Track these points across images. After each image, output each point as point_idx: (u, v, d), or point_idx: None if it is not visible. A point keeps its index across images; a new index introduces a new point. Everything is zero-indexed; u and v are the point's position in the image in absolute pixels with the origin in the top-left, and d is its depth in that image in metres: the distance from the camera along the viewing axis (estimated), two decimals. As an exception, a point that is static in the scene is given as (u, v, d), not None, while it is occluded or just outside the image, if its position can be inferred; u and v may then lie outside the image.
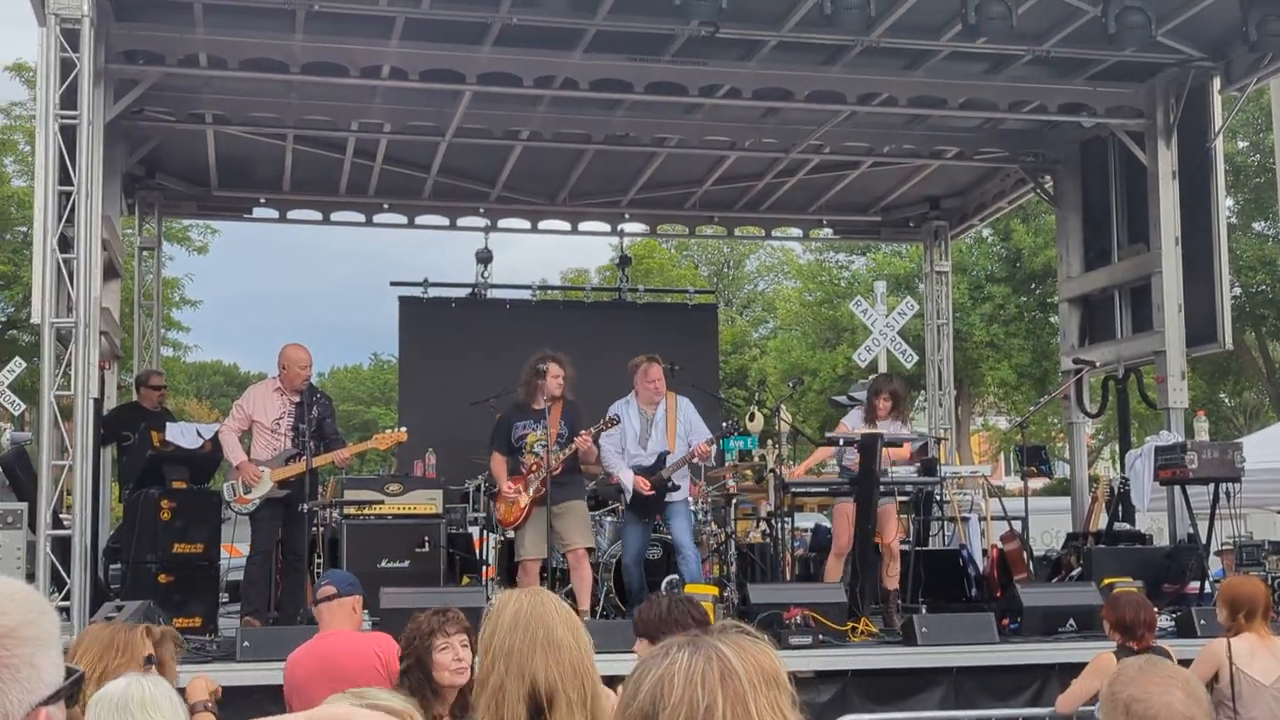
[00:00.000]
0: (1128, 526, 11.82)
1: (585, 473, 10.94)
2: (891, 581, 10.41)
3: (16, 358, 20.62)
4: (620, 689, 2.09)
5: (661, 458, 10.33)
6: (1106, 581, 9.55)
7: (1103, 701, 2.72)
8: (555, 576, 10.23)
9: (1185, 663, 7.17)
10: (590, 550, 10.21)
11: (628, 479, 10.29)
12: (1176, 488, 11.41)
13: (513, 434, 10.20)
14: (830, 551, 10.73)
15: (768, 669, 1.99)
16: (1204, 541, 11.09)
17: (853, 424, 10.63)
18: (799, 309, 37.33)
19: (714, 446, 10.41)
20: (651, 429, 10.41)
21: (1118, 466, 14.48)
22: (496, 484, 10.22)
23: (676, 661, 1.98)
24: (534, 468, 10.00)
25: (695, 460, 10.36)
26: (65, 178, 9.23)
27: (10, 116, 26.01)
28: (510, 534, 10.67)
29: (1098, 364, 13.10)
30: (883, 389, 10.67)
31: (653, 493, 10.21)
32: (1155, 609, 7.30)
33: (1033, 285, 31.97)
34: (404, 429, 10.41)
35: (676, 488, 10.34)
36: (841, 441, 10.25)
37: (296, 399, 10.04)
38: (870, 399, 10.68)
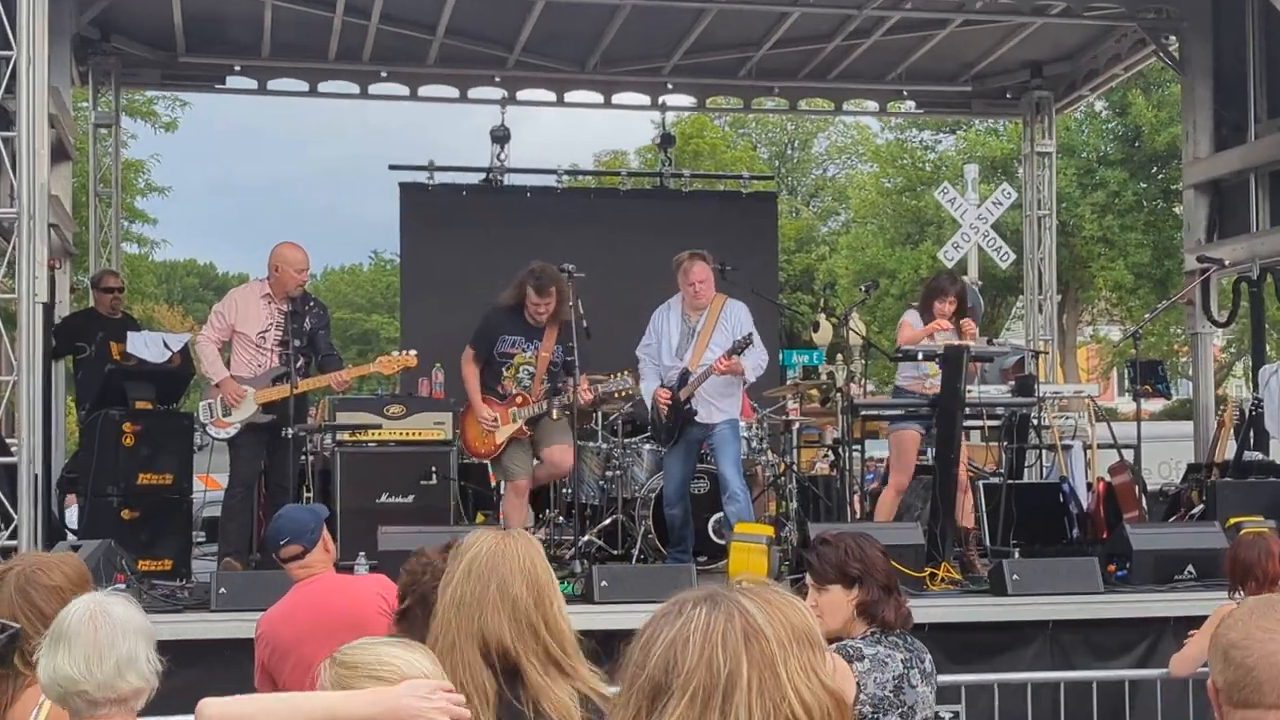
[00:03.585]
0: (1260, 456, 11.74)
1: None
2: (966, 519, 10.41)
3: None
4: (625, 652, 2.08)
5: (684, 375, 10.27)
6: (1232, 521, 9.50)
7: (1210, 642, 2.73)
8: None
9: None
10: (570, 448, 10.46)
11: (647, 392, 10.34)
12: (1320, 410, 11.34)
13: (497, 344, 10.28)
14: (889, 486, 10.67)
15: (799, 626, 1.99)
16: (1352, 474, 11.03)
17: (916, 322, 10.47)
18: (875, 198, 37.16)
19: (747, 363, 10.14)
20: (692, 340, 10.35)
21: (1250, 385, 14.38)
22: (466, 391, 10.36)
23: (692, 620, 1.97)
24: (518, 400, 10.14)
25: (720, 375, 10.09)
26: (3, 42, 9.22)
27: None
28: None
29: (1228, 263, 12.94)
30: (949, 291, 10.43)
31: (669, 407, 10.20)
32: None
33: (1154, 169, 31.65)
34: (413, 352, 10.37)
35: (694, 412, 10.24)
36: (920, 356, 10.19)
37: (287, 307, 10.07)
38: (931, 299, 10.45)
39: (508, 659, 3.37)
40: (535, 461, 10.44)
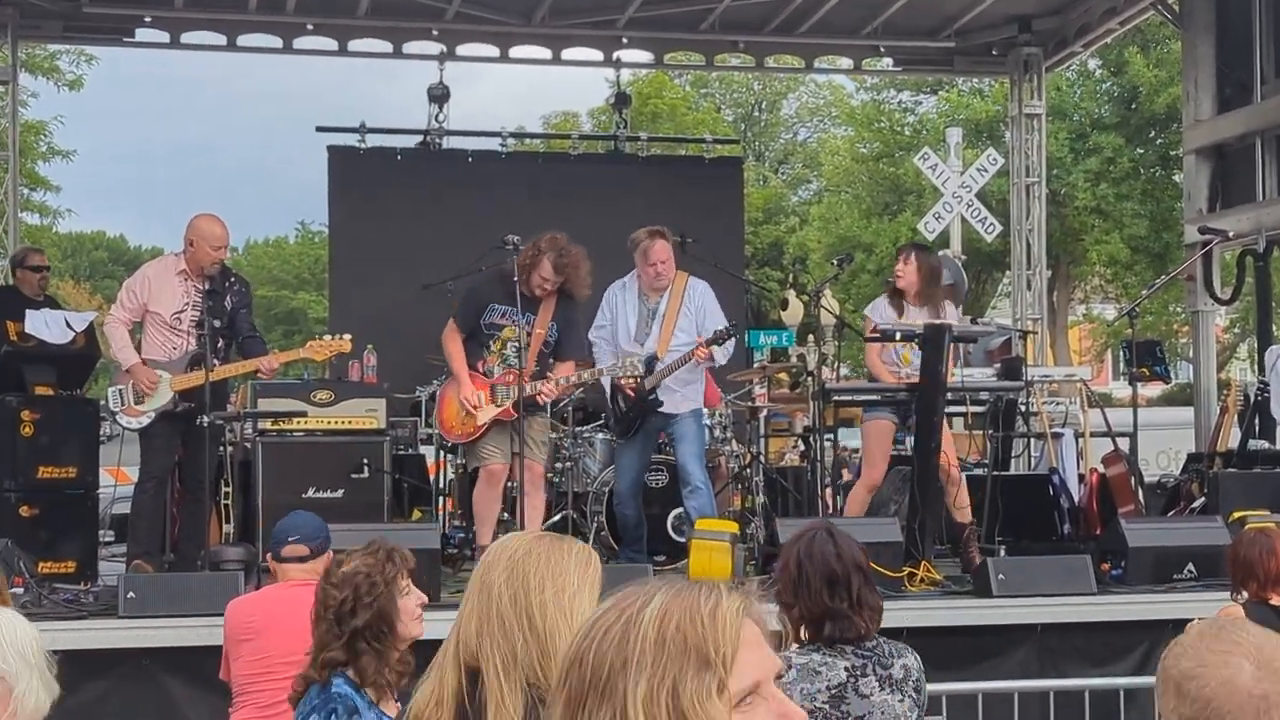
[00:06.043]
0: (1266, 445, 11.83)
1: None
2: (963, 514, 10.41)
3: None
4: None
5: (650, 363, 10.17)
6: (1236, 515, 9.56)
7: (1156, 682, 2.66)
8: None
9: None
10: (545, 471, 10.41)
11: (608, 385, 10.27)
12: (1331, 395, 11.41)
13: (485, 315, 10.02)
14: (860, 481, 10.67)
15: (689, 638, 1.92)
16: (1366, 464, 11.11)
17: (880, 316, 10.50)
18: (850, 165, 37.23)
19: (716, 348, 10.13)
20: (651, 323, 10.31)
21: (1255, 368, 14.47)
22: (451, 366, 10.06)
23: (597, 612, 1.97)
24: (506, 379, 9.84)
25: (697, 364, 10.09)
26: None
27: None
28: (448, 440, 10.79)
29: (1232, 235, 13.03)
30: (902, 255, 10.51)
31: (634, 401, 10.12)
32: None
33: (1152, 133, 31.83)
34: (347, 336, 10.23)
35: (659, 403, 10.20)
36: (898, 336, 10.19)
37: (205, 285, 10.00)
38: (896, 280, 10.51)
39: (471, 656, 3.38)
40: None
